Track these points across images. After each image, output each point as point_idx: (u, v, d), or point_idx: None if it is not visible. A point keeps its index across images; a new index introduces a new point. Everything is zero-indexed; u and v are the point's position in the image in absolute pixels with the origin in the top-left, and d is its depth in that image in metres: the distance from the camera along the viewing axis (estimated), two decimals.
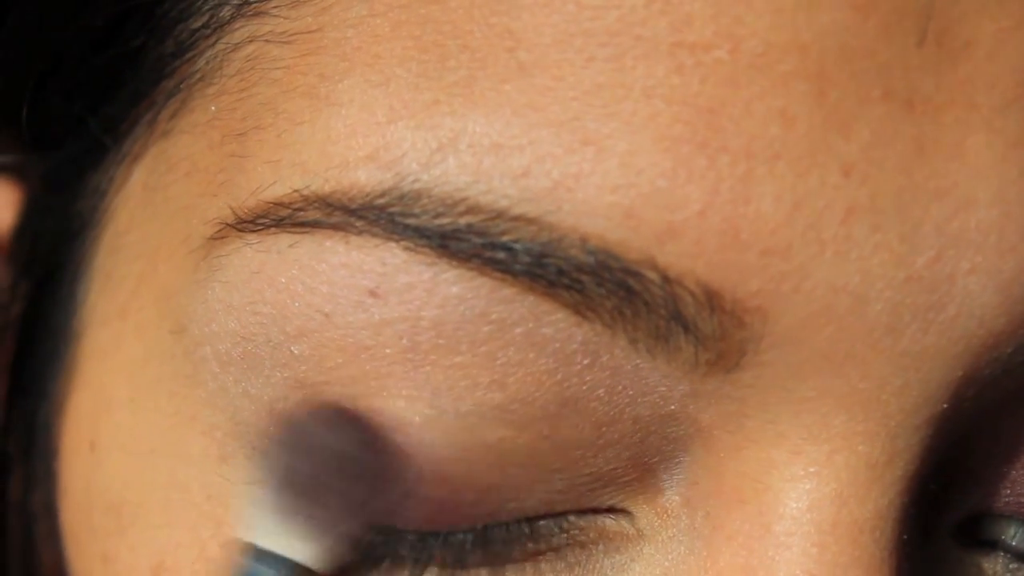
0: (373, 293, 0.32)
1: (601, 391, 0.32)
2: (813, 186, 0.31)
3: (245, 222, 0.33)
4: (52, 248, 0.40)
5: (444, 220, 0.31)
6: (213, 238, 0.34)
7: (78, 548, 0.38)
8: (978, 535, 0.36)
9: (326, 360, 0.33)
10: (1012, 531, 0.36)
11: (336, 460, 0.33)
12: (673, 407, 0.32)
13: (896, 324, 0.31)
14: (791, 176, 0.31)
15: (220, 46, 0.34)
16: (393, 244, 0.32)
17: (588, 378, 0.32)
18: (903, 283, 0.31)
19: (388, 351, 0.32)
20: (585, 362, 0.32)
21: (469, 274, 0.31)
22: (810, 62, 0.30)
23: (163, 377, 0.36)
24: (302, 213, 0.32)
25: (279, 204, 0.33)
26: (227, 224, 0.34)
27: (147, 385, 0.36)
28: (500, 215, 0.31)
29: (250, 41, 0.34)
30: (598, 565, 0.34)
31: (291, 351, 0.33)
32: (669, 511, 0.34)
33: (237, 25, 0.34)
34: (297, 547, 0.33)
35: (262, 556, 0.33)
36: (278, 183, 0.33)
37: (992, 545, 0.36)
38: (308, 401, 0.33)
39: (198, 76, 0.35)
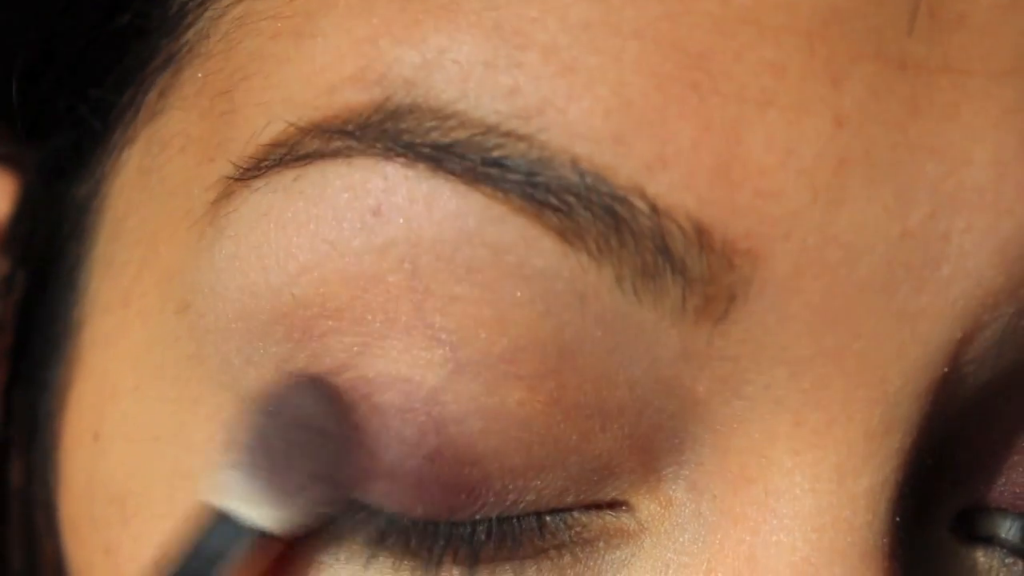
0: (375, 212, 0.32)
1: (595, 343, 0.31)
2: (806, 133, 0.30)
3: (247, 170, 0.33)
4: (49, 238, 0.39)
5: (436, 135, 0.31)
6: (217, 200, 0.34)
7: (79, 540, 0.37)
8: (974, 528, 0.36)
9: (331, 299, 0.32)
10: (1008, 525, 0.35)
11: (305, 427, 0.32)
12: (667, 372, 0.32)
13: (889, 281, 0.31)
14: (783, 122, 0.30)
15: (208, 13, 0.34)
16: (392, 161, 0.31)
17: (579, 328, 0.31)
18: (897, 239, 0.31)
19: (391, 279, 0.32)
20: (575, 305, 0.31)
21: (464, 189, 0.31)
22: (799, 19, 0.30)
23: (167, 362, 0.35)
24: (300, 145, 0.32)
25: (276, 144, 0.32)
26: (230, 178, 0.33)
27: (151, 371, 0.36)
28: (491, 130, 0.31)
29: (238, 2, 0.34)
30: (600, 561, 0.33)
31: (292, 294, 0.32)
32: (673, 501, 0.33)
33: None
34: (263, 512, 0.33)
35: (224, 518, 0.33)
36: (272, 123, 0.32)
37: (988, 539, 0.36)
38: (315, 357, 0.32)
39: (186, 48, 0.35)
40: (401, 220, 0.31)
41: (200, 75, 0.34)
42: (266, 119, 0.33)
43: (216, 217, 0.34)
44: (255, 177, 0.33)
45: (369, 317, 0.32)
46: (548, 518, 0.33)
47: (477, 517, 0.33)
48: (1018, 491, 0.35)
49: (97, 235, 0.38)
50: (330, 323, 0.32)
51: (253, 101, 0.33)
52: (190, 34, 0.34)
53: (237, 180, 0.33)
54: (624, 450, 0.33)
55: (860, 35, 0.30)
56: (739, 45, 0.30)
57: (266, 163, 0.33)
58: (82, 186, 0.38)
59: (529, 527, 0.33)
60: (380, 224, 0.32)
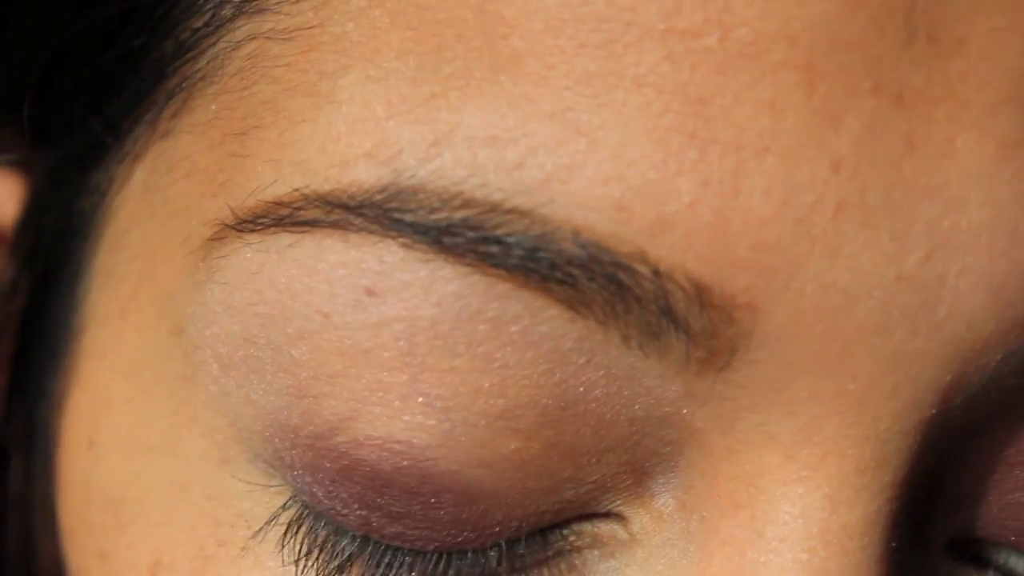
0: (370, 291, 0.32)
1: (598, 392, 0.32)
2: (803, 180, 0.30)
3: (245, 222, 0.33)
4: (54, 244, 0.40)
5: (440, 215, 0.31)
6: (212, 239, 0.34)
7: (75, 545, 0.38)
8: (972, 552, 0.36)
9: (325, 365, 0.33)
10: (1003, 556, 0.36)
11: None
12: (668, 409, 0.32)
13: (886, 324, 0.31)
14: (780, 170, 0.30)
15: (221, 45, 0.34)
16: (390, 241, 0.32)
17: (584, 378, 0.32)
18: (893, 282, 0.31)
19: (386, 355, 0.32)
20: (580, 361, 0.32)
21: (465, 270, 0.31)
22: (799, 52, 0.30)
23: (162, 378, 0.36)
24: (302, 212, 0.32)
25: (279, 203, 0.33)
26: (226, 225, 0.34)
27: (146, 385, 0.36)
28: (494, 208, 0.31)
29: (251, 39, 0.34)
30: (593, 570, 0.34)
31: (291, 355, 0.33)
32: (664, 515, 0.34)
33: (239, 23, 0.34)
34: None
35: None
36: (278, 182, 0.33)
37: (985, 563, 0.36)
38: (308, 416, 0.33)
39: (199, 75, 0.35)
40: (397, 302, 0.32)
41: (213, 107, 0.34)
42: (274, 176, 0.33)
43: (209, 256, 0.34)
44: (251, 231, 0.33)
45: (362, 386, 0.32)
46: (549, 532, 0.34)
47: (488, 545, 0.34)
48: (1010, 524, 0.36)
49: (99, 246, 0.38)
50: (324, 388, 0.33)
51: (264, 155, 0.33)
52: (203, 62, 0.35)
53: (232, 228, 0.33)
54: (619, 473, 0.33)
55: (859, 66, 0.30)
56: (739, 86, 0.30)
57: (264, 220, 0.33)
58: (88, 196, 0.39)
59: (534, 544, 0.34)
60: (375, 304, 0.32)
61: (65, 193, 0.39)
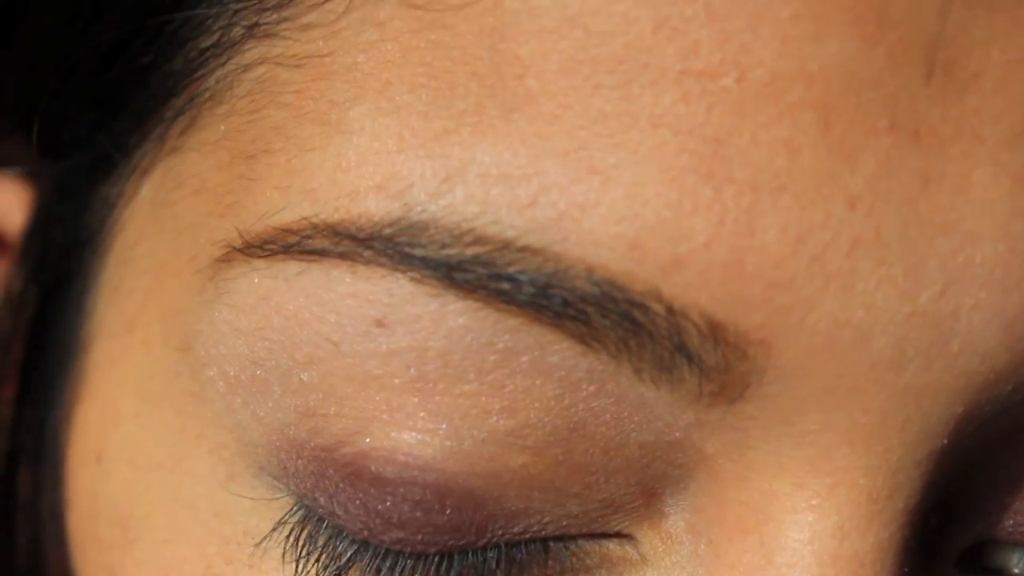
0: (380, 323, 0.32)
1: (607, 416, 0.32)
2: (818, 218, 0.30)
3: (252, 247, 0.33)
4: (62, 256, 0.40)
5: (451, 251, 0.31)
6: (220, 260, 0.34)
7: (84, 558, 0.38)
8: (982, 563, 0.36)
9: (335, 389, 0.33)
10: (1016, 559, 0.36)
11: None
12: (678, 435, 0.32)
13: (899, 359, 0.31)
14: (796, 208, 0.30)
15: (231, 66, 0.34)
16: (400, 275, 0.32)
17: (594, 404, 0.32)
18: (907, 318, 0.31)
19: (397, 381, 0.32)
20: (591, 389, 0.32)
21: (475, 305, 0.31)
22: (816, 92, 0.30)
23: (169, 393, 0.36)
24: (310, 241, 0.32)
25: (287, 231, 0.33)
26: (234, 248, 0.34)
27: (153, 400, 0.36)
28: (506, 246, 0.31)
29: (261, 63, 0.34)
30: None
31: (300, 378, 0.33)
32: (673, 537, 0.34)
33: (248, 46, 0.34)
34: None
35: None
36: (287, 209, 0.33)
37: (996, 573, 0.36)
38: (317, 431, 0.33)
39: (208, 95, 0.35)
40: (407, 334, 0.32)
41: (222, 128, 0.34)
42: (283, 203, 0.33)
43: (216, 276, 0.34)
44: (259, 257, 0.33)
45: (372, 406, 0.33)
46: (552, 544, 0.34)
47: (487, 546, 0.34)
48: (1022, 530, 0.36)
49: (107, 258, 0.38)
50: (333, 408, 0.33)
51: (273, 180, 0.33)
52: (211, 81, 0.35)
53: (240, 251, 0.33)
54: (629, 494, 0.34)
55: (876, 104, 0.30)
56: (755, 125, 0.30)
57: (272, 246, 0.33)
58: (96, 209, 0.39)
59: (534, 552, 0.34)
60: (385, 335, 0.32)
61: (73, 205, 0.39)
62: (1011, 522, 0.35)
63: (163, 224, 0.36)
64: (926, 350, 0.31)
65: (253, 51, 0.34)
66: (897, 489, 0.32)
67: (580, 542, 0.34)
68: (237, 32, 0.34)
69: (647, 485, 0.33)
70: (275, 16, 0.34)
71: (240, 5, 0.34)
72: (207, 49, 0.35)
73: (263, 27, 0.34)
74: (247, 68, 0.34)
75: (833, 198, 0.30)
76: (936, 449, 0.33)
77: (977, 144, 0.31)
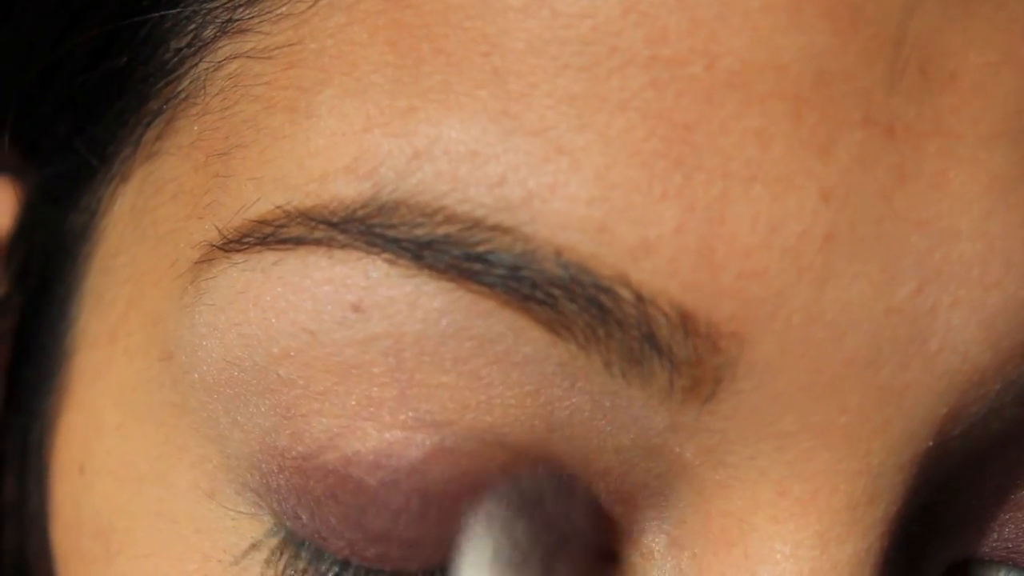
0: (356, 308, 0.32)
1: (584, 416, 0.32)
2: (791, 210, 0.30)
3: (231, 242, 0.33)
4: (45, 263, 0.39)
5: (422, 230, 0.31)
6: (200, 261, 0.34)
7: (68, 570, 0.38)
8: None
9: (313, 383, 0.32)
10: (1003, 572, 0.35)
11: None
12: (656, 440, 0.32)
13: (876, 357, 0.31)
14: (768, 198, 0.30)
15: (204, 65, 0.34)
16: (375, 257, 0.31)
17: (569, 403, 0.31)
18: (882, 315, 0.30)
19: (375, 370, 0.32)
20: (565, 385, 0.31)
21: (448, 286, 0.31)
22: (787, 83, 0.30)
23: (152, 405, 0.35)
24: (285, 230, 0.32)
25: (263, 222, 0.32)
26: (213, 245, 0.33)
27: (136, 412, 0.36)
28: (476, 225, 0.30)
29: (233, 58, 0.33)
30: None
31: (277, 374, 0.33)
32: (655, 553, 0.33)
33: (221, 43, 0.34)
34: None
35: None
36: (261, 200, 0.32)
37: None
38: (297, 436, 0.33)
39: (182, 96, 0.34)
40: (383, 318, 0.31)
41: (196, 128, 0.34)
42: (257, 195, 0.32)
43: (197, 279, 0.34)
44: (236, 251, 0.33)
45: (352, 401, 0.32)
46: None
47: None
48: (1011, 546, 0.35)
49: (89, 267, 0.38)
50: (314, 405, 0.32)
51: (247, 174, 0.33)
52: (186, 82, 0.34)
53: (219, 248, 0.33)
54: (609, 503, 0.33)
55: (849, 98, 0.30)
56: (725, 114, 0.30)
57: (249, 239, 0.32)
58: (77, 215, 0.38)
59: None
60: (361, 320, 0.32)
61: (56, 211, 0.39)
62: (995, 537, 0.35)
63: (143, 232, 0.36)
64: (903, 348, 0.31)
65: (225, 48, 0.33)
66: (878, 495, 0.32)
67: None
68: (210, 31, 0.34)
69: (624, 497, 0.33)
70: (248, 11, 0.33)
71: (214, 4, 0.34)
72: (181, 50, 0.34)
73: (236, 23, 0.33)
74: (219, 66, 0.33)
75: (806, 190, 0.30)
76: (920, 452, 0.32)
77: (955, 142, 0.30)
